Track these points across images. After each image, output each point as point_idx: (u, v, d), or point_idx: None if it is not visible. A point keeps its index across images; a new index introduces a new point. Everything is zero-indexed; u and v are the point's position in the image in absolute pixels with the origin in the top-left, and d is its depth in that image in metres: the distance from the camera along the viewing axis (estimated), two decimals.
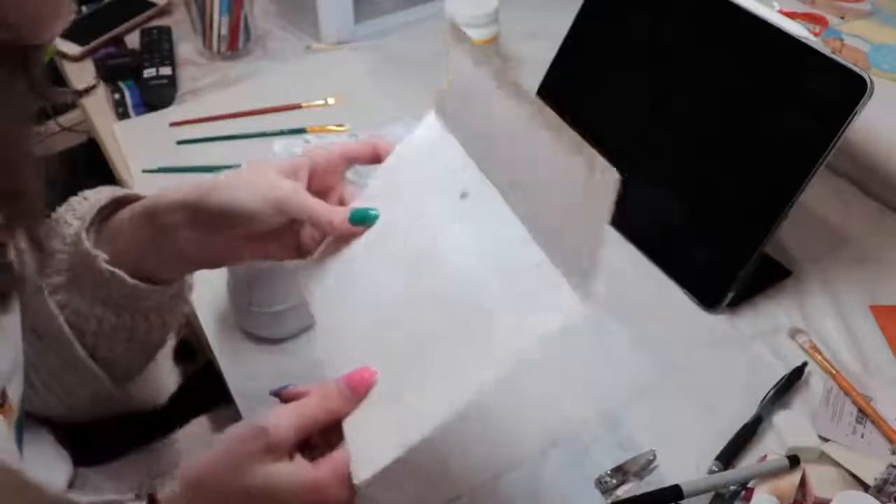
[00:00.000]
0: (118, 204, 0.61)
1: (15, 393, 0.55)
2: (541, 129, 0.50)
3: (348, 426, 0.50)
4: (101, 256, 0.58)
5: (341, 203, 0.62)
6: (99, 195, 0.61)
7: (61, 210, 0.61)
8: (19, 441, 0.56)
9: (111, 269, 0.58)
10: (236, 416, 0.71)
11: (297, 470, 0.50)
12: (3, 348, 0.54)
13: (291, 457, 0.50)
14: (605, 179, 0.46)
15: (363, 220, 0.60)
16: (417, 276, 0.54)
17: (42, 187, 0.50)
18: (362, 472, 0.48)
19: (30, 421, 0.61)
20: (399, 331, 0.53)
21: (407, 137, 0.63)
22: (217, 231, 0.58)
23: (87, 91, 1.08)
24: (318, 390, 0.52)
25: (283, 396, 0.54)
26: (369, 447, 0.49)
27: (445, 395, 0.47)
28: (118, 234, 0.59)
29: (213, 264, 0.65)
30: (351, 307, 0.57)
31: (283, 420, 0.50)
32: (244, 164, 0.67)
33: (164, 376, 0.72)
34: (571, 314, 0.46)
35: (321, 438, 0.52)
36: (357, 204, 0.61)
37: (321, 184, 0.61)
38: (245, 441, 0.49)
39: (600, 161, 0.47)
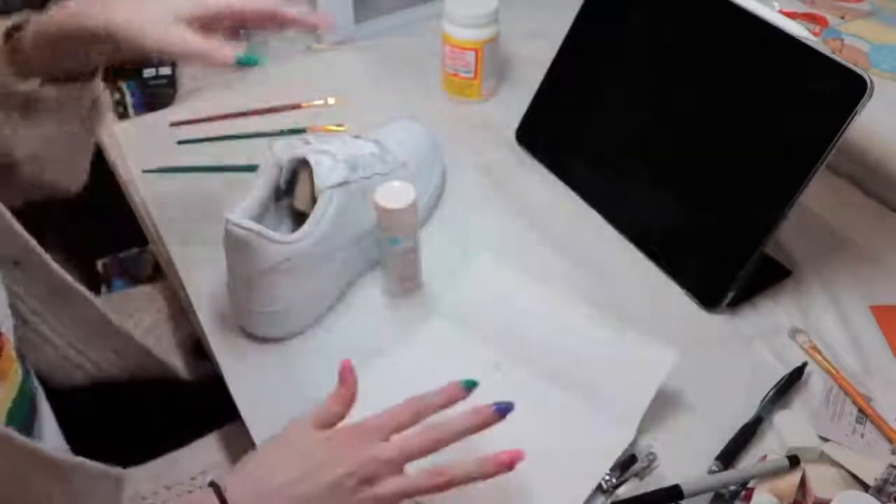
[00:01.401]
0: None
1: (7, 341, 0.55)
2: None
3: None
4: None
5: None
6: None
7: None
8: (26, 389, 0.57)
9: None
10: (245, 433, 0.70)
11: None
12: None
13: None
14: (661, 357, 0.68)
15: (246, 62, 0.73)
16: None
17: None
18: None
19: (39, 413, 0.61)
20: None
21: (416, 335, 0.74)
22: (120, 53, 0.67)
23: None
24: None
25: None
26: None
27: (623, 426, 0.66)
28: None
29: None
30: None
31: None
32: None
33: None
34: (674, 356, 0.68)
35: None
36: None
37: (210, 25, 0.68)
38: None
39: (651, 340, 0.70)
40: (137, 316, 0.84)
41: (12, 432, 0.50)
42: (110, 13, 0.64)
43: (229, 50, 0.65)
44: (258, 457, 0.58)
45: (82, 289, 0.64)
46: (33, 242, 0.62)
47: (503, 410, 0.57)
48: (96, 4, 0.65)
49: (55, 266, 0.63)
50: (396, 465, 0.55)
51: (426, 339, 0.75)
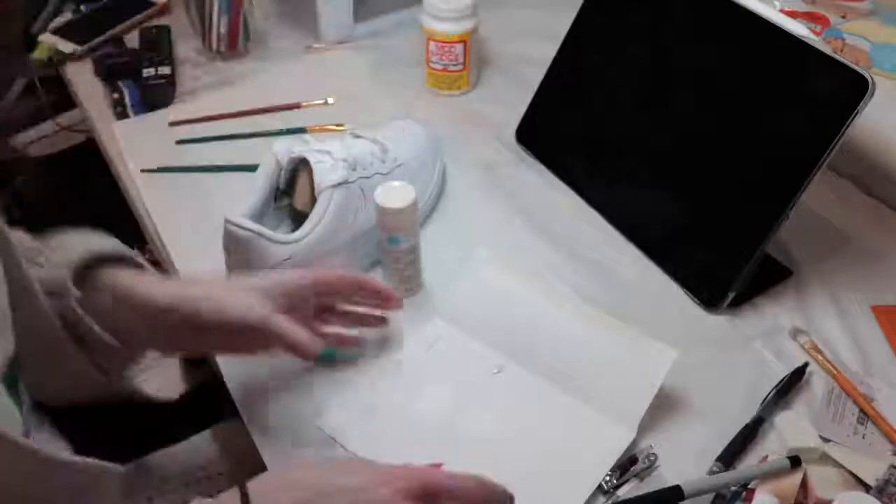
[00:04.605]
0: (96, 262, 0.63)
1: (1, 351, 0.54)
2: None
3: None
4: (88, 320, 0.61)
5: (307, 324, 0.66)
6: (69, 251, 0.62)
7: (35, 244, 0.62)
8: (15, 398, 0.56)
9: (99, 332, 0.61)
10: (242, 430, 0.70)
11: None
12: None
13: None
14: (661, 355, 0.68)
15: (327, 358, 0.71)
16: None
17: None
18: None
19: (32, 412, 0.61)
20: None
21: (417, 336, 0.75)
22: (204, 333, 0.64)
23: None
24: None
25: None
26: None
27: (623, 425, 0.67)
28: (101, 302, 0.62)
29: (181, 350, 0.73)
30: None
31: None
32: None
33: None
34: (674, 356, 0.68)
35: None
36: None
37: (291, 305, 0.65)
38: None
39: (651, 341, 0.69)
40: None
41: (9, 432, 0.50)
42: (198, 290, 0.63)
43: (316, 346, 0.64)
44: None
45: (47, 309, 0.62)
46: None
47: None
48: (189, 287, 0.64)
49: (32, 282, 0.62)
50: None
51: (426, 340, 0.74)
